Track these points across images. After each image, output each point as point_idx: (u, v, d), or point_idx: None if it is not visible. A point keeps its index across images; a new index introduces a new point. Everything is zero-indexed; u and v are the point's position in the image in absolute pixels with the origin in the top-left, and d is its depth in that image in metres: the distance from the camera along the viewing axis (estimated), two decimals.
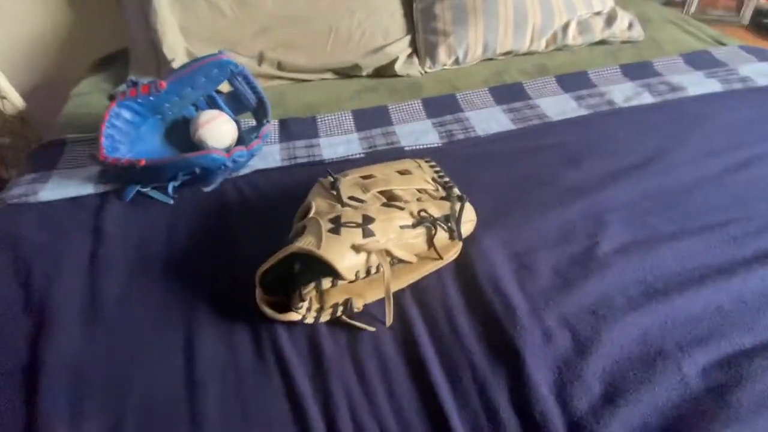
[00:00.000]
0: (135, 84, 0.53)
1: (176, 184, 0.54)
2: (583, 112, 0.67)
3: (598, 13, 0.87)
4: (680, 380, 0.36)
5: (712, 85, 0.70)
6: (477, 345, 0.39)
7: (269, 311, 0.39)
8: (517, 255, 0.46)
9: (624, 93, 0.70)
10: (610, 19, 0.86)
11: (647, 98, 0.68)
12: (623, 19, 0.86)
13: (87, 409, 0.36)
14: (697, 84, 0.70)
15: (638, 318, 0.40)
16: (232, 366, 0.38)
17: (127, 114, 0.55)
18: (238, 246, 0.49)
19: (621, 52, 0.83)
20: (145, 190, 0.54)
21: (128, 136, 0.56)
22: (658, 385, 0.36)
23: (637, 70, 0.75)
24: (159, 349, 0.40)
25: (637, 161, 0.57)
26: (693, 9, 1.06)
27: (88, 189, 0.56)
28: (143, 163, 0.49)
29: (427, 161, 0.53)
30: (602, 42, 0.86)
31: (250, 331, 0.40)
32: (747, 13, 1.02)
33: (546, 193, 0.53)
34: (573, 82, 0.74)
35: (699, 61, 0.77)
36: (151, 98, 0.53)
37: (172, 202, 0.54)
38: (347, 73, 0.80)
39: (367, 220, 0.40)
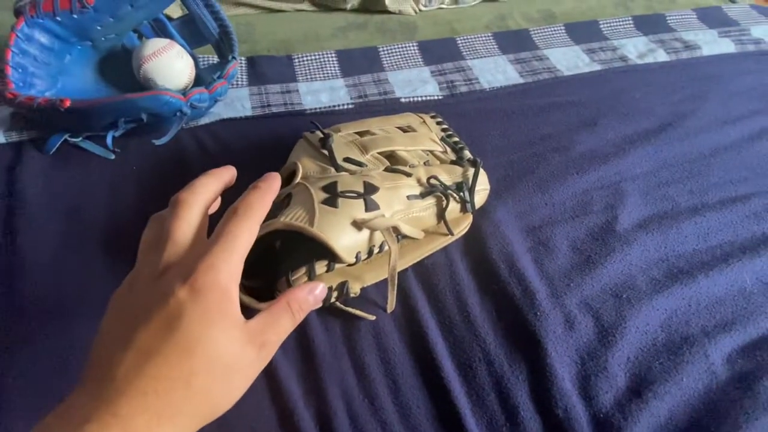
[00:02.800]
0: None
1: (117, 133, 0.42)
2: (596, 67, 0.60)
3: None
4: (707, 369, 0.34)
5: (727, 46, 0.65)
6: (492, 333, 0.35)
7: (247, 299, 0.31)
8: (533, 229, 0.41)
9: (638, 48, 0.64)
10: None
11: (662, 55, 0.63)
12: None
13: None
14: (711, 43, 0.65)
15: (662, 301, 0.37)
16: None
17: (43, 37, 0.42)
18: None
19: (631, 2, 0.76)
20: (75, 140, 0.43)
21: (47, 68, 0.43)
22: (685, 375, 0.33)
23: (650, 24, 0.69)
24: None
25: (654, 126, 0.53)
26: None
27: None
28: (68, 104, 0.37)
29: (432, 116, 0.45)
30: None
31: None
32: None
33: (560, 159, 0.48)
34: (584, 32, 0.67)
35: (711, 18, 0.72)
36: (75, 16, 0.40)
37: (113, 156, 0.43)
38: (328, 4, 0.68)
39: (370, 188, 0.33)
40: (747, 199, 0.45)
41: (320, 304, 0.28)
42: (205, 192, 0.26)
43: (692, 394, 0.32)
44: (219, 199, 0.29)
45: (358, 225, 0.31)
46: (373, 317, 0.34)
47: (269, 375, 0.31)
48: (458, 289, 0.37)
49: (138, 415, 0.19)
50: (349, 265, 0.32)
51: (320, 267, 0.31)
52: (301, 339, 0.33)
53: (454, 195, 0.37)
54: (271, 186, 0.26)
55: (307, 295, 0.26)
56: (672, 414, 0.32)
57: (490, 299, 0.37)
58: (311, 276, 0.31)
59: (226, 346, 0.22)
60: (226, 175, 0.28)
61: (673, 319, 0.36)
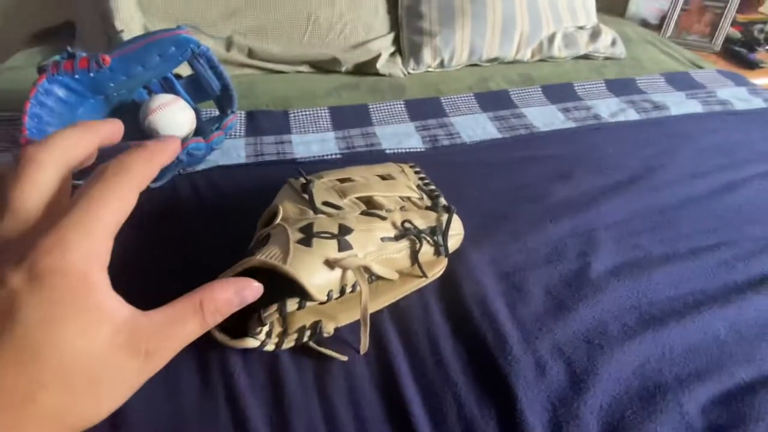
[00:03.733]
0: (72, 56, 0.45)
1: None
2: (571, 124, 0.65)
3: (582, 28, 0.87)
4: (680, 419, 0.33)
5: (694, 106, 0.70)
6: (463, 377, 0.35)
7: (220, 336, 0.32)
8: (507, 274, 0.42)
9: (609, 108, 0.69)
10: (595, 35, 0.85)
11: (632, 114, 0.67)
12: (607, 35, 0.86)
13: None
14: (679, 104, 0.70)
15: (635, 347, 0.37)
16: (171, 400, 0.31)
17: (60, 92, 0.46)
18: (188, 253, 0.42)
19: (605, 68, 0.83)
20: (79, 183, 0.46)
21: (61, 118, 0.47)
22: (659, 425, 0.33)
23: (621, 86, 0.75)
24: None
25: (626, 178, 0.55)
26: (669, 32, 1.09)
27: None
28: None
29: (411, 166, 0.48)
30: (586, 57, 0.86)
31: (197, 358, 0.34)
32: (719, 40, 1.06)
33: (536, 208, 0.50)
34: (559, 93, 0.72)
35: (679, 81, 0.78)
36: (92, 75, 0.45)
37: None
38: (325, 67, 0.75)
39: (344, 230, 0.34)
40: (717, 249, 0.46)
41: (245, 305, 0.21)
42: (65, 147, 0.19)
43: None
44: (92, 160, 0.21)
45: (330, 264, 0.32)
46: (345, 358, 0.34)
47: (236, 413, 0.31)
48: (431, 331, 0.37)
49: None
50: (321, 303, 0.33)
51: (292, 304, 0.32)
52: (270, 378, 0.33)
53: (428, 238, 0.39)
54: (162, 148, 0.20)
55: (233, 294, 0.20)
56: None
57: (462, 342, 0.37)
58: (282, 313, 0.32)
59: (85, 351, 0.16)
60: (104, 128, 0.20)
61: (646, 366, 0.36)
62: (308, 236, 0.33)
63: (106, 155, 0.20)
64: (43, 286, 0.16)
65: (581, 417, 0.33)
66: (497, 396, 0.34)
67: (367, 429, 0.32)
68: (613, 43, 0.86)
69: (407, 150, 0.57)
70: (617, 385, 0.35)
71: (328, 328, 0.35)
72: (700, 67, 0.86)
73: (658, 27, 1.11)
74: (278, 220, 0.36)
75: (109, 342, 0.17)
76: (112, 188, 0.18)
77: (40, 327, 0.16)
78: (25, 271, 0.16)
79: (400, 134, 0.60)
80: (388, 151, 0.57)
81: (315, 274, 0.32)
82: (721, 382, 0.35)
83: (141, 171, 0.19)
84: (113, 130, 0.21)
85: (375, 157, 0.56)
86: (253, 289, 0.21)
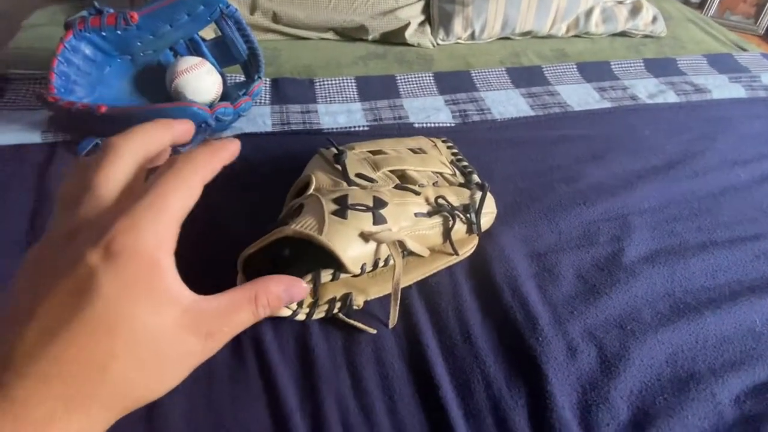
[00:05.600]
0: (99, 12, 0.44)
1: None
2: (606, 104, 0.62)
3: (621, 2, 0.82)
4: (713, 408, 0.33)
5: (737, 90, 0.67)
6: (492, 356, 0.35)
7: None
8: (538, 255, 0.42)
9: (648, 89, 0.66)
10: (635, 10, 0.81)
11: (671, 97, 0.64)
12: (648, 11, 0.81)
13: None
14: (722, 87, 0.67)
15: (668, 335, 0.37)
16: (203, 371, 0.31)
17: (87, 49, 0.45)
18: (217, 223, 0.42)
19: (643, 47, 0.79)
20: None
21: (88, 77, 0.46)
22: (690, 413, 0.32)
23: (661, 67, 0.71)
24: None
25: (663, 163, 0.53)
26: (712, 11, 1.03)
27: (33, 137, 0.47)
28: (104, 110, 0.40)
29: (444, 141, 0.46)
30: (623, 34, 0.82)
31: None
32: (764, 22, 1.00)
33: (568, 189, 0.48)
34: (594, 71, 0.69)
35: (722, 64, 0.74)
36: (119, 32, 0.44)
37: None
38: (351, 35, 0.72)
39: (379, 203, 0.34)
40: (756, 239, 0.45)
41: (293, 302, 0.23)
42: (144, 139, 0.20)
43: None
44: (167, 154, 0.23)
45: (365, 237, 0.32)
46: (374, 331, 0.34)
47: (267, 382, 0.31)
48: (461, 309, 0.37)
49: (39, 402, 0.16)
50: (354, 276, 0.33)
51: (326, 275, 0.31)
52: (300, 348, 0.33)
53: (461, 216, 0.38)
54: (226, 146, 0.21)
55: (283, 291, 0.22)
56: None
57: (492, 322, 0.36)
58: (316, 284, 0.31)
59: (155, 328, 0.18)
60: (178, 127, 0.22)
61: (678, 354, 0.36)
62: (343, 208, 0.32)
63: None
64: (118, 264, 0.17)
65: (611, 400, 0.32)
66: (526, 376, 0.33)
67: (395, 402, 0.32)
68: (654, 20, 0.82)
69: (436, 124, 0.55)
70: (649, 372, 0.34)
71: (358, 301, 0.35)
72: (744, 50, 0.81)
73: (700, 5, 1.04)
74: (311, 190, 0.35)
75: (175, 322, 0.18)
76: (181, 179, 0.19)
77: (115, 303, 0.17)
78: (102, 249, 0.17)
79: (428, 108, 0.58)
80: (416, 125, 0.55)
81: (350, 246, 0.31)
82: (755, 374, 0.35)
83: (206, 165, 0.20)
84: (185, 129, 0.22)
85: (403, 130, 0.54)
86: (301, 289, 0.23)
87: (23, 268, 0.18)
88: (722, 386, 0.34)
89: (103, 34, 0.44)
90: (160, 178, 0.19)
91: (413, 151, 0.43)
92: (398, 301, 0.35)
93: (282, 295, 0.22)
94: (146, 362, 0.18)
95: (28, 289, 0.18)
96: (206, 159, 0.20)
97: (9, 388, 0.16)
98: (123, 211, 0.18)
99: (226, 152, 0.21)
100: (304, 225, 0.31)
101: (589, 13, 0.78)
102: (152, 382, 0.18)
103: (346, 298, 0.34)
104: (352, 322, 0.34)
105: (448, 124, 0.56)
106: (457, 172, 0.43)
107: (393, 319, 0.35)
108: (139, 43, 0.46)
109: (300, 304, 0.33)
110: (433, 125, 0.55)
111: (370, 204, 0.33)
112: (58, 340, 0.16)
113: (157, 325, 0.18)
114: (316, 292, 0.34)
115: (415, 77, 0.64)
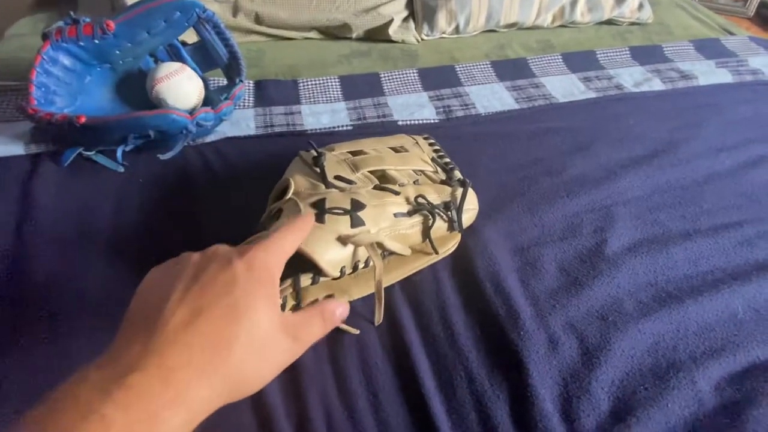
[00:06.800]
0: (75, 22, 0.43)
1: (127, 148, 0.45)
2: (591, 95, 0.62)
3: None
4: (693, 396, 0.33)
5: (723, 76, 0.66)
6: (475, 351, 0.35)
7: None
8: (521, 250, 0.42)
9: (633, 77, 0.66)
10: None
11: (657, 84, 0.64)
12: None
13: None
14: (708, 73, 0.67)
15: (650, 325, 0.37)
16: None
17: (66, 60, 0.45)
18: (199, 227, 0.42)
19: (629, 34, 0.78)
20: (88, 153, 0.46)
21: (69, 87, 0.46)
22: (671, 401, 0.33)
23: (647, 54, 0.71)
24: (98, 351, 0.33)
25: (647, 152, 0.53)
26: None
27: (16, 149, 0.47)
28: (83, 120, 0.40)
29: (425, 138, 0.46)
30: (609, 22, 0.81)
31: None
32: (752, 5, 0.99)
33: (552, 182, 0.49)
34: (580, 61, 0.69)
35: (709, 49, 0.73)
36: (96, 41, 0.44)
37: (122, 170, 0.46)
38: (335, 33, 0.72)
39: (357, 205, 0.34)
40: (739, 226, 0.45)
41: (342, 319, 0.30)
42: (295, 240, 0.29)
43: (677, 421, 0.32)
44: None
45: (342, 240, 0.32)
46: (357, 331, 0.35)
47: None
48: (444, 306, 0.37)
49: (181, 367, 0.20)
50: (335, 278, 0.33)
51: (305, 279, 0.32)
52: None
53: (441, 213, 0.38)
54: (309, 221, 0.31)
55: (335, 309, 0.29)
56: None
57: (474, 317, 0.37)
58: (296, 287, 0.32)
59: (266, 324, 0.23)
60: (305, 228, 0.31)
61: (660, 343, 0.36)
62: (321, 212, 0.33)
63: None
64: (253, 272, 0.24)
65: (592, 392, 0.33)
66: (508, 370, 0.34)
67: (380, 400, 0.32)
68: (640, 6, 0.81)
69: (420, 121, 0.55)
70: (630, 362, 0.35)
71: None
72: (732, 34, 0.80)
73: None
74: (290, 195, 0.35)
75: (277, 324, 0.24)
76: (292, 232, 0.28)
77: (246, 299, 0.23)
78: (246, 260, 0.24)
79: (412, 105, 0.58)
80: (400, 123, 0.55)
81: (328, 250, 0.32)
82: (735, 361, 0.35)
83: (303, 229, 0.30)
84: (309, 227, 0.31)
85: (387, 128, 0.54)
86: (347, 308, 0.31)
87: (157, 272, 0.25)
88: (703, 374, 0.34)
89: (81, 43, 0.44)
90: (282, 229, 0.28)
91: (394, 149, 0.43)
92: (382, 301, 0.35)
93: (337, 313, 0.29)
94: (257, 351, 0.23)
95: (172, 281, 0.23)
96: (305, 225, 0.30)
97: (161, 355, 0.20)
98: (259, 241, 0.26)
99: (310, 224, 0.31)
100: None
101: (574, 3, 0.78)
102: (256, 370, 0.23)
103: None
104: None
105: (432, 121, 0.56)
106: (439, 170, 0.43)
107: (378, 317, 0.35)
108: (117, 52, 0.46)
109: (283, 308, 0.34)
110: (417, 122, 0.55)
111: (348, 207, 0.33)
112: (203, 317, 0.22)
113: (268, 323, 0.23)
114: (298, 296, 0.34)
115: (399, 74, 0.63)
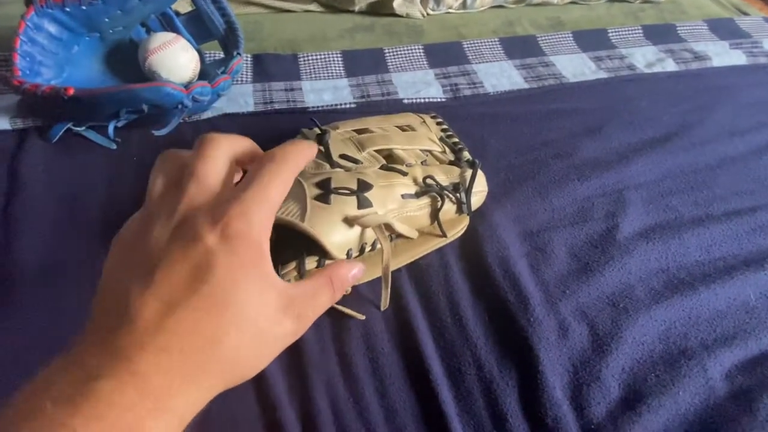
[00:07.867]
0: None
1: (119, 123, 0.43)
2: (603, 75, 0.60)
3: None
4: (705, 383, 0.33)
5: (738, 57, 0.64)
6: (483, 338, 0.34)
7: None
8: (531, 234, 0.41)
9: (646, 58, 0.63)
10: None
11: (670, 65, 0.62)
12: None
13: None
14: (722, 54, 0.64)
15: (661, 312, 0.36)
16: None
17: (51, 27, 0.42)
18: None
19: (642, 12, 0.75)
20: (78, 129, 0.43)
21: (55, 57, 0.43)
22: (681, 389, 0.32)
23: (660, 34, 0.68)
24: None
25: (660, 135, 0.52)
26: None
27: (2, 124, 0.44)
28: (71, 92, 0.38)
29: (433, 117, 0.44)
30: None
31: None
32: None
33: (562, 165, 0.47)
34: (591, 40, 0.66)
35: (723, 29, 0.71)
36: (84, 7, 0.41)
37: (114, 146, 0.44)
38: (336, 6, 0.68)
39: (364, 186, 0.32)
40: (753, 212, 0.44)
41: (357, 282, 0.27)
42: (236, 141, 0.22)
43: (688, 408, 0.31)
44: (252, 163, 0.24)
45: (349, 222, 0.31)
46: (362, 317, 0.34)
47: None
48: (451, 291, 0.36)
49: (158, 373, 0.17)
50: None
51: (311, 262, 0.30)
52: None
53: (450, 195, 0.36)
54: (311, 147, 0.24)
55: (347, 272, 0.24)
56: (666, 428, 0.31)
57: (483, 303, 0.36)
58: (301, 271, 0.30)
59: (260, 308, 0.19)
60: (256, 148, 0.24)
61: (671, 330, 0.35)
62: (326, 192, 0.31)
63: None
64: (232, 246, 0.18)
65: (602, 379, 0.32)
66: (517, 357, 0.33)
67: (386, 387, 0.31)
68: None
69: (426, 100, 0.53)
70: (641, 349, 0.34)
71: None
72: (746, 14, 0.78)
73: None
74: None
75: (275, 304, 0.20)
76: (278, 172, 0.21)
77: (229, 282, 0.18)
78: (219, 232, 0.19)
79: (418, 82, 0.56)
80: (405, 101, 0.53)
81: (334, 232, 0.30)
82: (747, 348, 0.35)
83: (297, 161, 0.22)
84: (255, 150, 0.24)
85: (392, 107, 0.52)
86: (362, 270, 0.26)
87: (120, 249, 0.20)
88: (714, 361, 0.34)
89: (67, 9, 0.41)
90: (261, 171, 0.21)
91: (401, 128, 0.41)
92: (389, 285, 0.34)
93: (349, 276, 0.24)
94: (251, 339, 0.19)
95: (135, 266, 0.19)
96: (297, 155, 0.22)
97: (130, 360, 0.17)
98: (234, 198, 0.19)
99: (310, 151, 0.24)
100: (286, 211, 0.30)
101: None
102: (253, 359, 0.20)
103: None
104: (341, 308, 0.33)
105: (439, 99, 0.54)
106: (447, 150, 0.41)
107: (385, 302, 0.34)
108: (107, 20, 0.43)
109: None
110: (423, 101, 0.53)
111: (355, 187, 0.32)
112: (178, 315, 0.17)
113: (261, 305, 0.19)
114: (302, 278, 0.33)
115: (404, 50, 0.61)
